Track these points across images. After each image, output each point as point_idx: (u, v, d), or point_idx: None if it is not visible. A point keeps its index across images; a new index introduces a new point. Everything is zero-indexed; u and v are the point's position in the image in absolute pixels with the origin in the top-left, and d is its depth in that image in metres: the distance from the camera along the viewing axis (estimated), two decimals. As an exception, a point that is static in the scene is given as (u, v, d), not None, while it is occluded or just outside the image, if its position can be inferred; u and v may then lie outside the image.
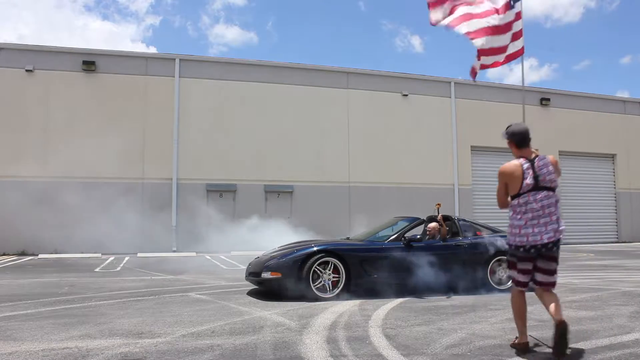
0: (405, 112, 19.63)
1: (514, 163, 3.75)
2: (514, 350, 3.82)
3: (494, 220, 14.03)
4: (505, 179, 3.75)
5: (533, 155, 3.79)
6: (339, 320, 4.91)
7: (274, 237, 11.92)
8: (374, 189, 18.71)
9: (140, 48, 66.60)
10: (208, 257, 14.02)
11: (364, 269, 6.36)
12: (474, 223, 7.67)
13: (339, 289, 6.19)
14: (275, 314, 5.26)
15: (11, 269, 10.73)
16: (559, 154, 21.67)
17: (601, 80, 61.85)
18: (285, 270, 6.14)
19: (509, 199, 3.80)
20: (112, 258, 13.45)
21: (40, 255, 14.43)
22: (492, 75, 67.03)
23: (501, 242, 6.66)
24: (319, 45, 62.33)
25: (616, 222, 22.51)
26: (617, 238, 22.29)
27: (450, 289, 6.63)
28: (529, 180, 3.69)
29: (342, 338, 4.19)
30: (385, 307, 5.63)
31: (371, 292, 6.38)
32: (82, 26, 58.85)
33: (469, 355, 3.70)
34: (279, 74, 18.39)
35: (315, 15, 61.16)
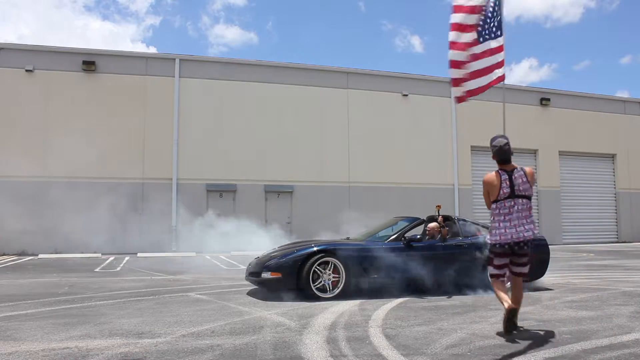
0: (405, 112, 19.63)
1: (494, 174, 4.42)
2: (514, 350, 3.82)
3: (494, 220, 14.01)
4: (487, 187, 4.43)
5: (512, 168, 4.42)
6: (339, 320, 4.91)
7: (274, 238, 11.95)
8: (374, 189, 18.71)
9: (140, 48, 66.62)
10: (208, 257, 14.02)
11: (364, 269, 6.35)
12: (473, 223, 7.67)
13: (339, 289, 6.19)
14: (275, 314, 5.26)
15: (11, 269, 10.73)
16: (559, 154, 21.71)
17: (601, 80, 61.88)
18: (285, 270, 6.14)
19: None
20: (112, 258, 13.45)
21: (40, 255, 14.44)
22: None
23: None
24: (319, 45, 62.34)
25: (616, 222, 22.51)
26: (617, 238, 22.29)
27: (450, 289, 6.63)
28: (505, 190, 4.33)
29: (342, 338, 4.19)
30: (385, 307, 5.63)
31: (371, 292, 6.37)
32: (82, 26, 58.87)
33: (469, 355, 3.70)
34: (279, 74, 18.40)
35: (315, 15, 61.17)
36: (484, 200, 4.60)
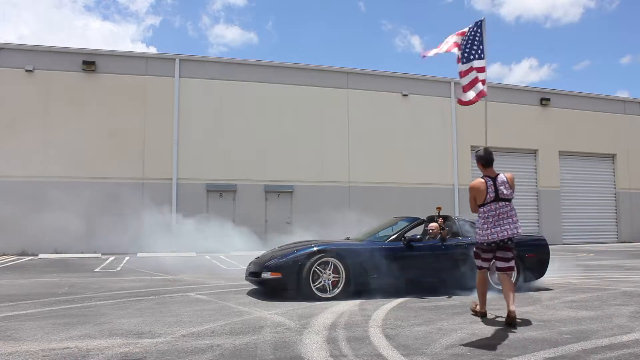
0: (405, 112, 19.63)
1: (480, 180, 4.94)
2: (514, 350, 3.82)
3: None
4: (474, 192, 4.95)
5: (494, 174, 4.95)
6: (339, 320, 4.91)
7: (274, 238, 11.94)
8: (374, 189, 18.71)
9: (140, 48, 66.63)
10: (208, 257, 14.02)
11: (364, 269, 6.35)
12: (473, 223, 7.66)
13: (339, 289, 6.19)
14: (275, 314, 5.26)
15: (11, 269, 10.73)
16: (559, 154, 21.70)
17: (601, 80, 61.90)
18: (285, 270, 6.14)
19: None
20: (112, 258, 13.45)
21: (40, 255, 14.43)
22: (492, 75, 66.95)
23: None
24: (319, 45, 62.33)
25: (616, 222, 22.51)
26: (617, 238, 22.29)
27: (450, 289, 6.63)
28: (491, 194, 4.86)
29: (342, 338, 4.19)
30: (385, 307, 5.63)
31: (371, 292, 6.37)
32: (82, 26, 58.87)
33: (469, 355, 3.70)
34: (279, 74, 18.39)
35: (315, 15, 61.16)
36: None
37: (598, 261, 12.41)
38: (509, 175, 4.99)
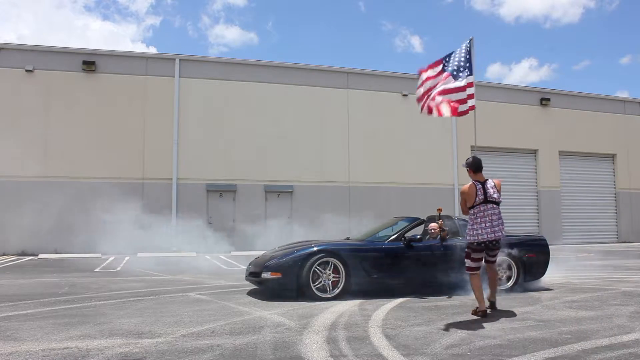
0: (405, 112, 19.60)
1: (470, 185, 5.39)
2: (514, 350, 3.82)
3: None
4: (464, 196, 5.40)
5: (483, 179, 5.41)
6: (339, 320, 4.91)
7: (274, 237, 11.91)
8: (374, 189, 18.70)
9: (140, 48, 66.66)
10: (208, 257, 14.02)
11: (364, 269, 6.35)
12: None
13: (339, 289, 6.19)
14: (275, 314, 5.26)
15: (11, 269, 10.73)
16: (559, 154, 21.70)
17: (601, 80, 61.93)
18: (285, 270, 6.14)
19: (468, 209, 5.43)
20: (112, 258, 13.45)
21: (40, 255, 14.43)
22: (492, 75, 67.07)
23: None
24: (319, 45, 62.34)
25: (616, 222, 22.50)
26: (617, 238, 22.28)
27: (450, 289, 6.63)
28: (480, 197, 5.30)
29: (342, 338, 4.19)
30: (385, 307, 5.63)
31: (371, 292, 6.38)
32: (82, 26, 58.88)
33: (469, 355, 3.70)
34: (279, 74, 18.39)
35: (315, 15, 61.17)
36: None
37: (598, 261, 12.41)
38: (496, 180, 5.48)
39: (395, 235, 6.80)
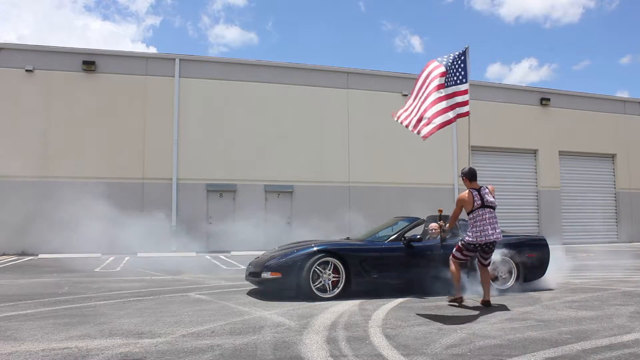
0: (405, 112, 19.59)
1: (468, 192, 5.77)
2: (514, 350, 3.82)
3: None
4: (461, 203, 5.80)
5: (478, 187, 5.82)
6: (339, 320, 4.91)
7: (274, 237, 11.91)
8: (374, 189, 18.70)
9: (140, 48, 66.68)
10: (208, 257, 14.02)
11: (364, 269, 6.35)
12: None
13: (339, 289, 6.19)
14: (275, 314, 5.26)
15: (11, 269, 10.73)
16: (559, 154, 21.69)
17: (601, 80, 61.93)
18: (285, 270, 6.14)
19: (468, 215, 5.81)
20: (112, 258, 13.45)
21: (40, 255, 14.43)
22: (492, 75, 67.07)
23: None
24: (319, 45, 62.36)
25: (616, 222, 22.49)
26: (617, 238, 22.27)
27: (450, 289, 6.62)
28: (477, 202, 5.69)
29: (342, 338, 4.19)
30: (385, 307, 5.63)
31: (371, 292, 6.38)
32: (82, 26, 58.90)
33: (469, 355, 3.70)
34: (279, 74, 18.38)
35: (315, 15, 61.19)
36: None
37: (598, 261, 12.41)
38: (490, 187, 5.94)
39: (395, 235, 6.80)
